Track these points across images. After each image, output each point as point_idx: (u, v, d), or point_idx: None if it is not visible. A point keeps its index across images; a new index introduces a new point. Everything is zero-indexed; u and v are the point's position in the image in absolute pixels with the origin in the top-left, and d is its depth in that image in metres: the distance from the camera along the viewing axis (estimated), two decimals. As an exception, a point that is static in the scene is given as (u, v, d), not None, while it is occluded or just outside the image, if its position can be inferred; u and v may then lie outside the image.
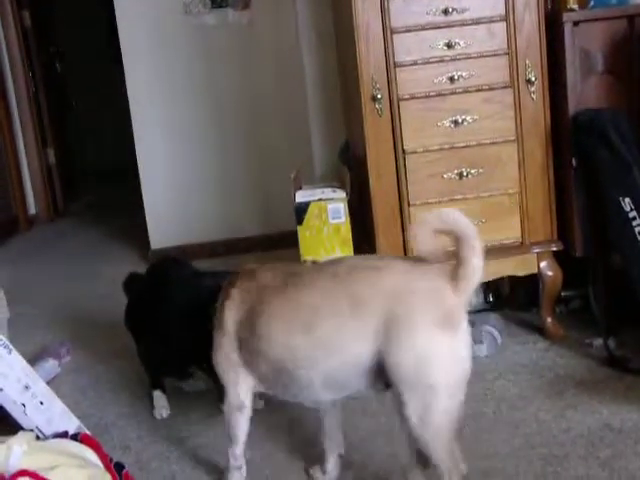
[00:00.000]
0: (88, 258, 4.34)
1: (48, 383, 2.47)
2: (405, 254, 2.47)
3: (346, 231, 2.48)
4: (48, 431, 2.03)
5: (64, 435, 1.71)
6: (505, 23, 2.36)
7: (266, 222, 3.97)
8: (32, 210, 5.34)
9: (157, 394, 2.43)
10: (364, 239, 2.62)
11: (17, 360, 2.04)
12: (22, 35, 5.19)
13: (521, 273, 2.53)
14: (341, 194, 2.52)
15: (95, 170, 6.84)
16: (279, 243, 3.75)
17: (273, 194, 3.90)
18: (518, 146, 2.43)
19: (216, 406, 2.33)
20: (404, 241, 2.47)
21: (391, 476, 1.90)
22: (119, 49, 3.92)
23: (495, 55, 2.38)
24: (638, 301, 2.27)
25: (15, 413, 2.01)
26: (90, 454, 1.62)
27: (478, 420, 2.10)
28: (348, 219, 2.48)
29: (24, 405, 2.00)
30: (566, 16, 2.36)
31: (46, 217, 5.37)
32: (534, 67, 2.38)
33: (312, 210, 2.48)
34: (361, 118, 2.41)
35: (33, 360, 2.63)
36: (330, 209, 2.48)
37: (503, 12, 2.35)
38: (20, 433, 1.57)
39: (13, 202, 5.10)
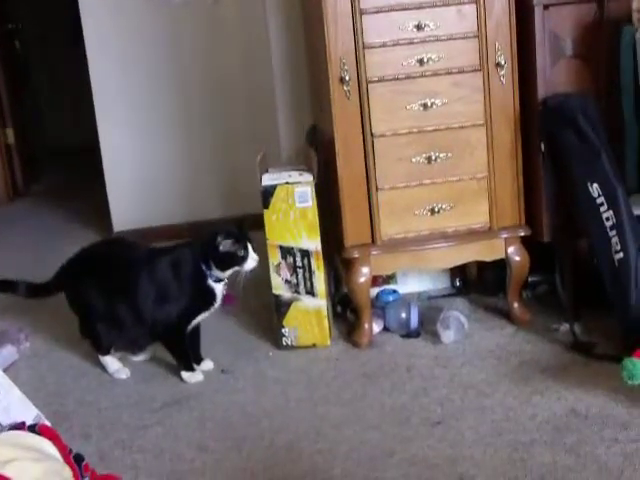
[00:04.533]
0: (49, 240, 4.23)
1: (6, 370, 2.41)
2: (372, 239, 2.44)
3: (313, 215, 2.44)
4: (5, 420, 1.96)
5: (21, 426, 1.65)
6: (475, 5, 2.32)
7: (231, 204, 3.90)
8: (-10, 191, 5.20)
9: (108, 359, 2.44)
10: (330, 223, 2.58)
11: (-28, 348, 1.97)
12: (-21, 10, 5.03)
13: (488, 258, 2.52)
14: (308, 177, 2.47)
15: (56, 150, 6.68)
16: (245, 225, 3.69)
17: (238, 176, 3.83)
18: (487, 130, 2.40)
19: (179, 391, 2.30)
20: (372, 225, 2.44)
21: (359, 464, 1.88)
22: (80, 29, 3.81)
23: (465, 38, 2.35)
24: (604, 287, 2.27)
25: (-30, 402, 1.94)
26: (48, 446, 1.56)
27: (445, 407, 2.09)
28: (315, 203, 2.43)
29: (-21, 394, 1.94)
30: (536, -1, 2.33)
31: (5, 198, 5.24)
32: (504, 50, 2.35)
33: (279, 193, 2.43)
34: (329, 100, 2.37)
35: (-10, 346, 2.56)
36: (297, 193, 2.43)
37: (474, -7, 2.32)
38: (-26, 425, 1.51)
39: (-30, 182, 4.96)
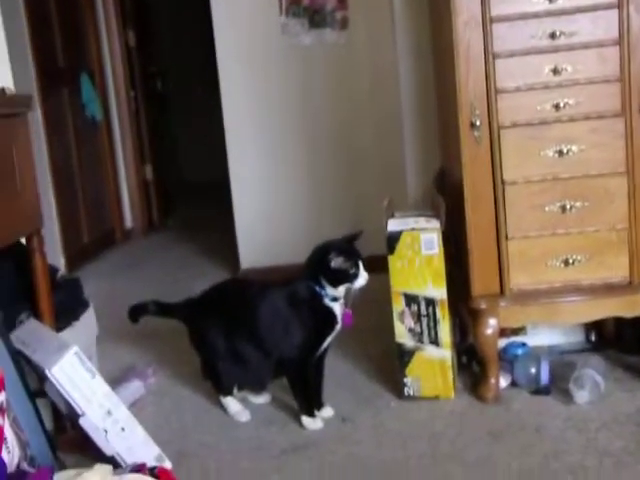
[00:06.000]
0: (180, 274, 4.37)
1: (132, 405, 2.48)
2: (501, 290, 2.34)
3: (439, 263, 2.37)
4: (128, 458, 2.01)
5: (141, 468, 1.68)
6: (618, 47, 2.20)
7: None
8: (128, 224, 5.46)
9: (230, 400, 2.46)
10: (456, 270, 2.50)
11: (100, 385, 2.04)
12: (126, 54, 5.33)
13: (628, 315, 2.35)
14: (435, 224, 2.41)
15: (190, 185, 6.96)
16: (369, 267, 3.66)
17: (363, 216, 3.79)
18: (628, 179, 2.26)
19: (298, 438, 2.28)
20: (500, 275, 2.34)
21: None
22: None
23: (606, 82, 2.23)
24: None
25: (97, 438, 2.01)
26: (166, 491, 1.58)
27: (578, 474, 1.95)
28: (442, 250, 2.37)
29: (106, 431, 2.00)
30: (687, 40, 2.18)
31: (142, 231, 5.48)
32: (649, 94, 2.22)
33: (404, 240, 2.38)
34: (458, 146, 2.31)
35: (119, 380, 2.64)
36: (423, 239, 2.37)
37: (616, 35, 2.20)
38: (97, 466, 1.55)
39: (110, 216, 5.23)
